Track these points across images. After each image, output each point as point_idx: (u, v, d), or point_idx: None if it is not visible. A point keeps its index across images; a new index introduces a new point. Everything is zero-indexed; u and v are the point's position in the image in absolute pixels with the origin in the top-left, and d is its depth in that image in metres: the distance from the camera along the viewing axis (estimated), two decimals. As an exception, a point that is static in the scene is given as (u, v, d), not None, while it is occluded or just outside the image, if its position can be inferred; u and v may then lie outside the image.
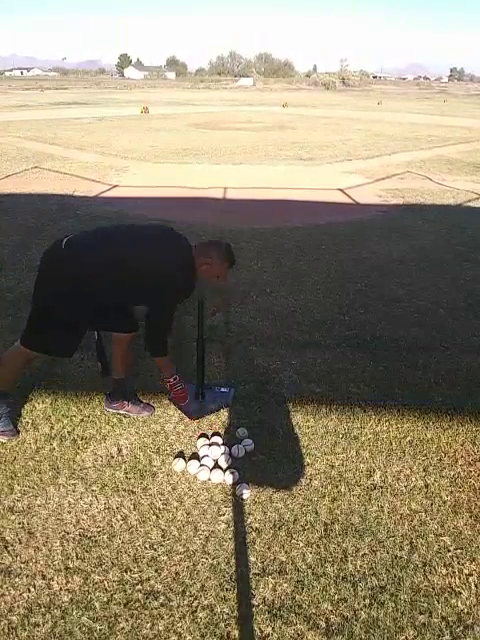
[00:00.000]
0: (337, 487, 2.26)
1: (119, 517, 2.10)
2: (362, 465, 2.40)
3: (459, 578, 1.86)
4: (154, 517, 2.10)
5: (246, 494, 2.20)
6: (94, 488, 2.24)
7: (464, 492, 2.25)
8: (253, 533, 2.03)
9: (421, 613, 1.74)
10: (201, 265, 2.38)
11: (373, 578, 1.85)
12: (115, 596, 1.78)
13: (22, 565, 1.88)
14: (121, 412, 2.70)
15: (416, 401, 2.86)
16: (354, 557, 1.93)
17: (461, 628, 1.69)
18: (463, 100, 41.00)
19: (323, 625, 1.69)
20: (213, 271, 2.41)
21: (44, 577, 1.84)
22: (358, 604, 1.76)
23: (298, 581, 1.84)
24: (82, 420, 2.67)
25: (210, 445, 2.44)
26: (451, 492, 2.25)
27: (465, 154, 12.13)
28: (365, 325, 3.76)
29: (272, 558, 1.93)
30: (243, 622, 1.70)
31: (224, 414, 2.74)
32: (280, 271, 4.81)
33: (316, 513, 2.13)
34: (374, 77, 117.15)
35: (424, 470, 2.38)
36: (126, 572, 1.87)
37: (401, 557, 1.94)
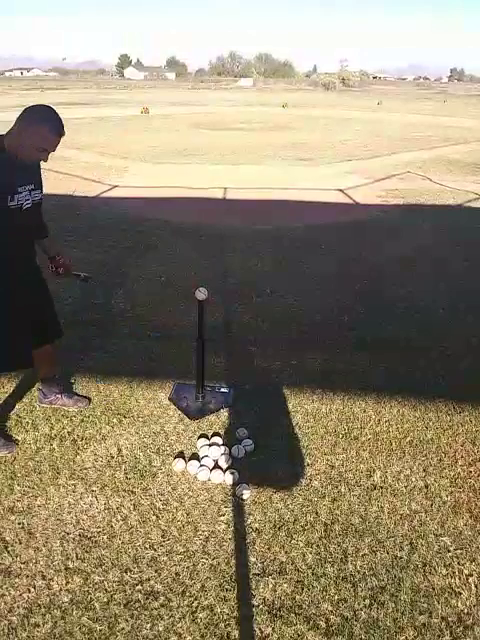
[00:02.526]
0: (337, 487, 2.26)
1: (119, 517, 2.10)
2: (362, 465, 2.40)
3: (459, 578, 1.86)
4: (154, 517, 2.10)
5: (246, 494, 2.20)
6: (94, 488, 2.24)
7: (464, 492, 2.25)
8: (253, 533, 2.03)
9: (421, 613, 1.74)
10: (8, 140, 2.04)
11: (373, 578, 1.86)
12: (115, 596, 1.78)
13: (22, 565, 1.89)
14: (55, 406, 2.72)
15: (416, 401, 2.87)
16: (354, 557, 1.93)
17: (461, 628, 1.69)
18: (463, 100, 40.99)
19: (323, 625, 1.69)
20: (26, 142, 2.04)
21: (44, 577, 1.84)
22: (358, 604, 1.76)
23: (298, 581, 1.84)
24: (82, 420, 2.67)
25: (210, 445, 2.44)
26: (451, 492, 2.25)
27: (465, 154, 12.13)
28: (365, 325, 3.76)
29: (272, 558, 1.93)
30: (243, 622, 1.70)
31: (224, 414, 2.74)
32: (280, 271, 4.81)
33: (316, 513, 2.13)
34: (374, 77, 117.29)
35: (424, 470, 2.38)
36: (126, 572, 1.87)
37: (401, 557, 1.94)
